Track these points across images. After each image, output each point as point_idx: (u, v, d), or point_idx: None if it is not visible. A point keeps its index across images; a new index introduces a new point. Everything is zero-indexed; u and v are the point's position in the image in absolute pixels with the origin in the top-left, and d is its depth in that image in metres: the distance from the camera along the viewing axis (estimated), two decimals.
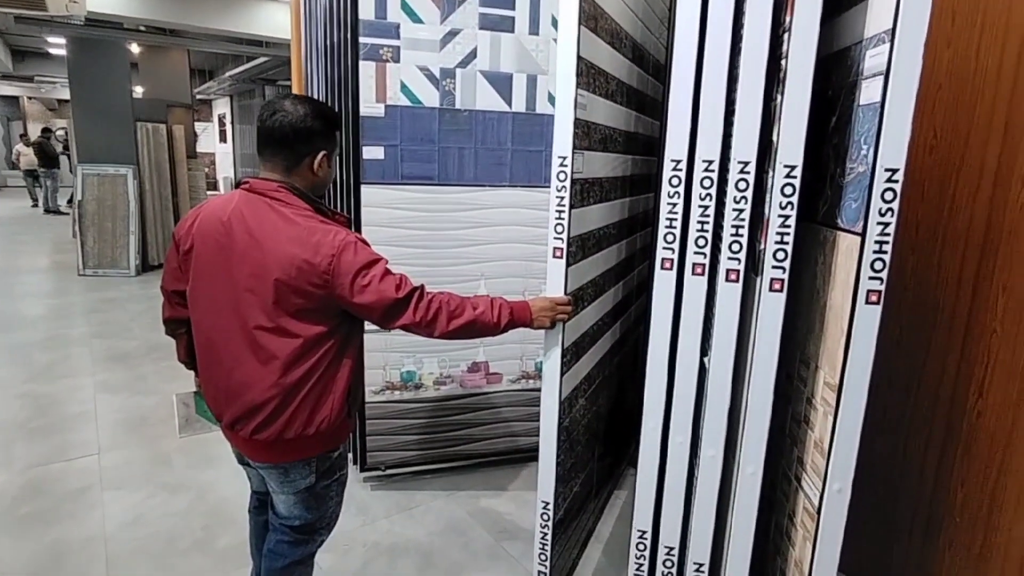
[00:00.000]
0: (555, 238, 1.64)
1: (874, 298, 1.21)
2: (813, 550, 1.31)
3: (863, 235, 1.20)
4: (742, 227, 1.34)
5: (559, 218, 1.63)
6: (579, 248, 1.79)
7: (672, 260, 1.46)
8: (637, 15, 2.19)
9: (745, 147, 1.31)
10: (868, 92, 1.23)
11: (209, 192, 8.26)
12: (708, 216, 1.39)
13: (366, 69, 2.31)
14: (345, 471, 1.65)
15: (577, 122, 1.60)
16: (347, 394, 1.49)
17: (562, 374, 1.72)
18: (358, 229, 2.42)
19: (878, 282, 1.20)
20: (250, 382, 1.42)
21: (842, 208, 1.31)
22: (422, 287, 1.47)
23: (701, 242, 1.41)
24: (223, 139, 14.50)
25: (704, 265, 1.42)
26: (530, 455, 2.73)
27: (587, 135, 1.74)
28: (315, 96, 2.78)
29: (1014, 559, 1.68)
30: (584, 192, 1.78)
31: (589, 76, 1.69)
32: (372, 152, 2.38)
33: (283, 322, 1.38)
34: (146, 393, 3.63)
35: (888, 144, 1.15)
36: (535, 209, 2.54)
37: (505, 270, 2.59)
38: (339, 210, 2.52)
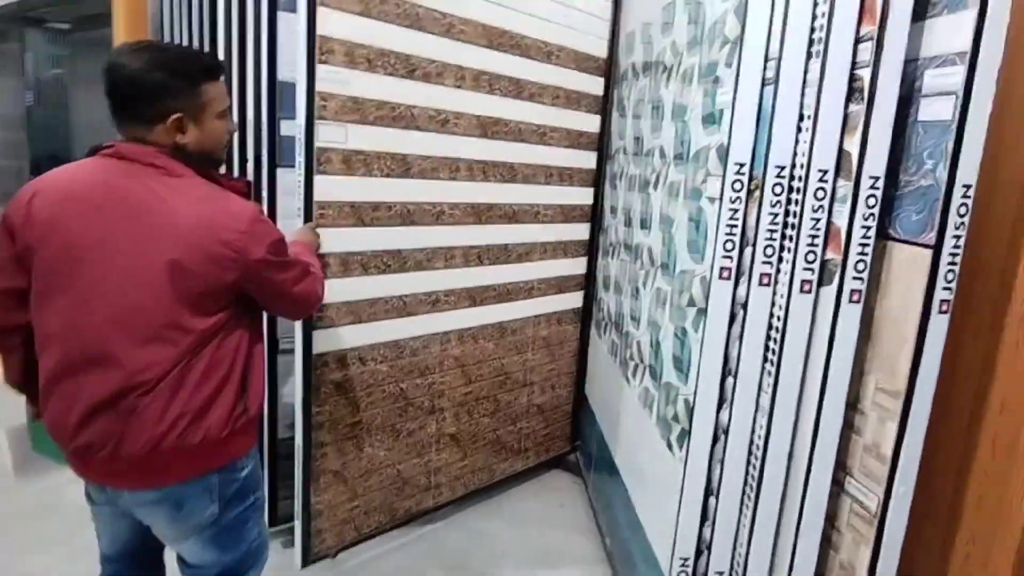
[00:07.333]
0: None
1: (945, 307, 1.27)
2: (875, 554, 1.35)
3: (937, 247, 1.25)
4: (818, 237, 1.32)
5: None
6: None
7: (731, 269, 1.40)
8: None
9: (824, 156, 1.29)
10: (930, 109, 1.28)
11: None
12: (777, 225, 1.35)
13: (287, 23, 1.86)
14: (260, 493, 1.42)
15: None
16: (241, 389, 1.27)
17: None
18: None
19: (948, 292, 1.26)
20: (119, 373, 1.16)
21: (896, 219, 1.36)
22: None
23: (769, 251, 1.36)
24: None
25: (770, 275, 1.37)
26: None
27: None
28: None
29: None
30: None
31: None
32: (292, 128, 1.93)
33: (173, 310, 1.17)
34: None
35: (966, 162, 1.21)
36: None
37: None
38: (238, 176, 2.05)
